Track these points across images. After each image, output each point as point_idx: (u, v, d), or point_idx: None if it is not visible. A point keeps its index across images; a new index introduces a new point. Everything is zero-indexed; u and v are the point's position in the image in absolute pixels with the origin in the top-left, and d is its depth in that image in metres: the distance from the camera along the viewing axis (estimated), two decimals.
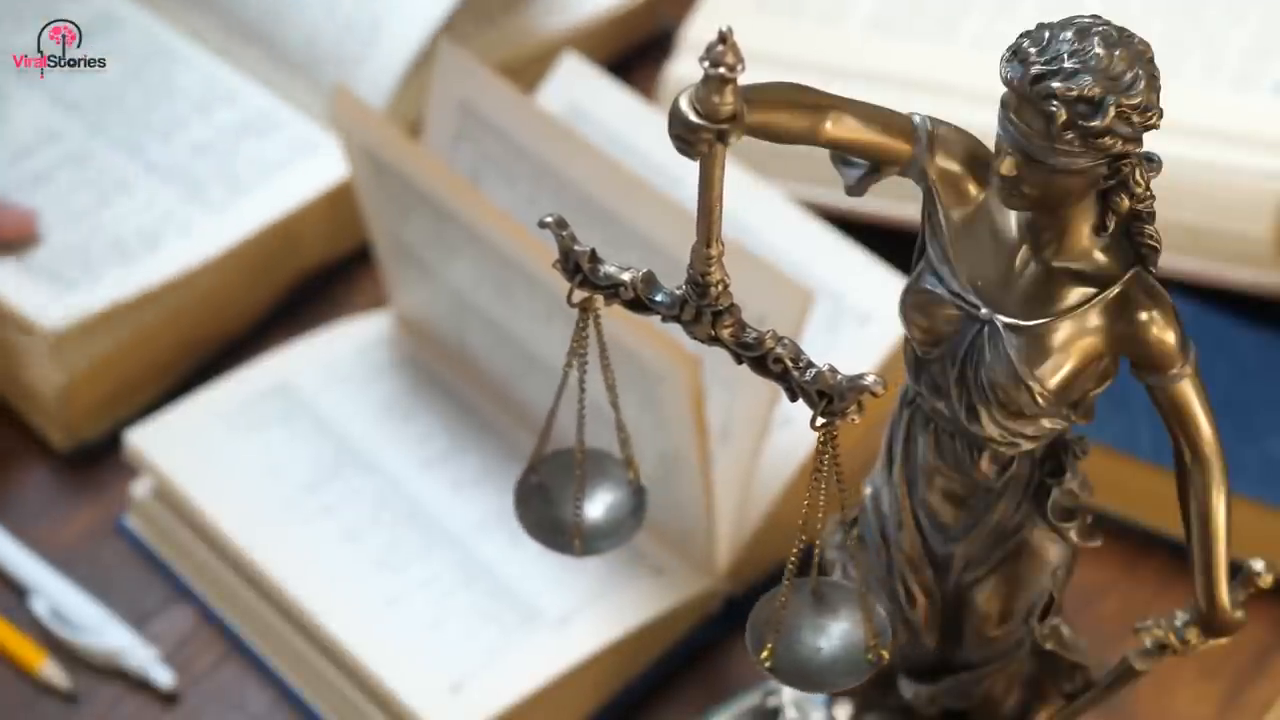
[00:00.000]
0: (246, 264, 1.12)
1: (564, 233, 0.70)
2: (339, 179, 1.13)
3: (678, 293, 0.70)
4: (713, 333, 0.70)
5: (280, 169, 1.14)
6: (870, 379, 0.67)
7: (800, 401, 0.69)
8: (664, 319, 0.71)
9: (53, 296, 1.07)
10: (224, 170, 1.14)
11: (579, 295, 0.72)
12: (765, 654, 0.73)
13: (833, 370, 0.68)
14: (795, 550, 0.72)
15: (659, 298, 0.70)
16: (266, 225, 1.12)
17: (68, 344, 1.06)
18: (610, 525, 0.78)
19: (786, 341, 0.69)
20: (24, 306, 1.06)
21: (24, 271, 1.08)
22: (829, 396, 0.68)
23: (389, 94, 1.14)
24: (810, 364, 0.69)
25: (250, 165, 1.14)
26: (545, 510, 0.78)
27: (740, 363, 0.70)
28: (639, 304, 0.71)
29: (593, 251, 0.71)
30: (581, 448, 0.77)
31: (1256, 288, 1.06)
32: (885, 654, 0.73)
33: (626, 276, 0.70)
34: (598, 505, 0.78)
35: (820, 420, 0.69)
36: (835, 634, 0.73)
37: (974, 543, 0.78)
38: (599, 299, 0.72)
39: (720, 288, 0.69)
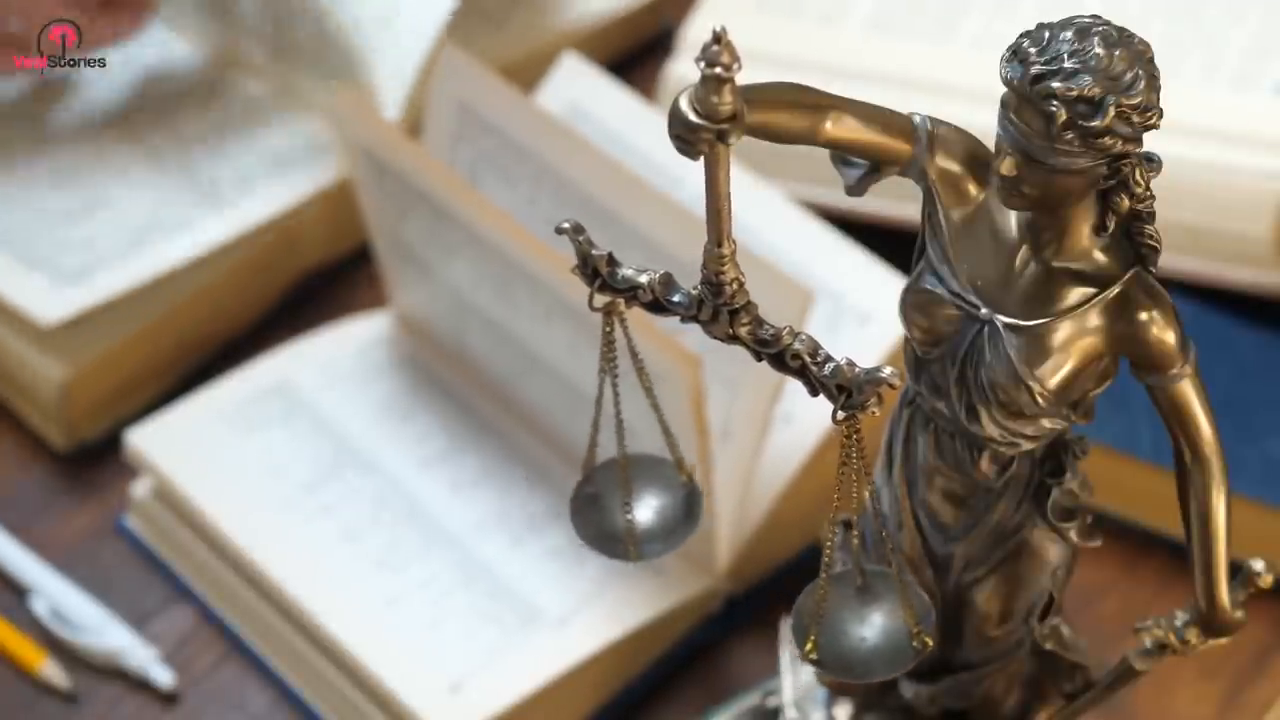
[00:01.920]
0: (247, 263, 1.12)
1: (581, 238, 0.70)
2: (339, 178, 1.13)
3: (694, 293, 0.70)
4: (731, 331, 0.70)
5: (280, 167, 1.14)
6: (887, 371, 0.68)
7: (807, 398, 0.70)
8: (683, 319, 0.71)
9: (51, 290, 1.07)
10: (224, 167, 1.14)
11: (600, 300, 0.72)
12: (809, 646, 0.73)
13: (850, 364, 0.68)
14: (829, 542, 0.72)
15: (677, 298, 0.71)
16: (266, 222, 1.12)
17: (64, 338, 1.06)
18: (663, 528, 0.78)
19: (804, 337, 0.69)
20: (21, 300, 1.06)
21: (21, 264, 1.08)
22: (848, 390, 0.68)
23: (408, 88, 1.14)
24: (828, 358, 0.69)
25: (250, 163, 1.14)
26: (599, 519, 0.78)
27: (759, 360, 0.70)
28: (657, 305, 0.71)
29: (610, 255, 0.71)
30: (623, 453, 0.77)
31: (1256, 288, 1.06)
32: (929, 640, 0.73)
33: (644, 279, 0.71)
34: (649, 509, 0.78)
35: (841, 414, 0.69)
36: (878, 623, 0.73)
37: (974, 543, 0.78)
38: (621, 303, 0.72)
39: (735, 286, 0.69)
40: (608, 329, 0.73)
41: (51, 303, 1.06)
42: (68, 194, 1.12)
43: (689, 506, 0.78)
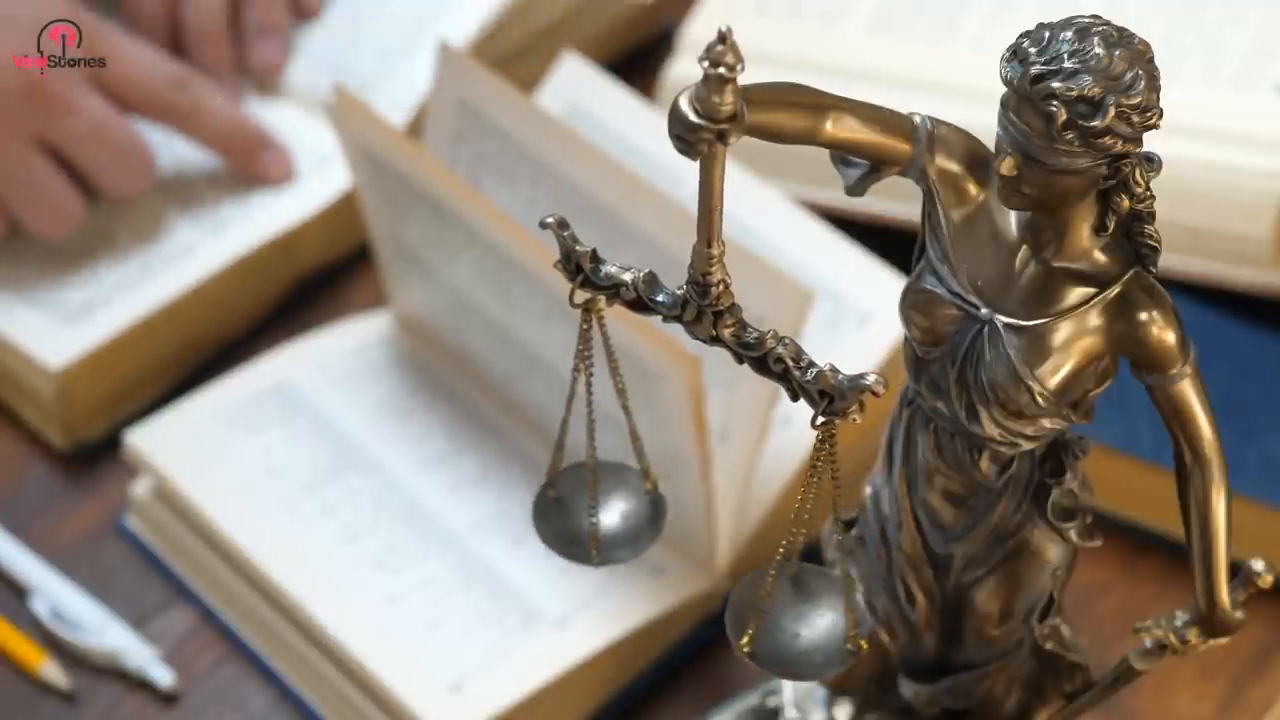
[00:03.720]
0: (247, 264, 1.12)
1: (565, 233, 0.71)
2: (344, 191, 1.13)
3: (679, 293, 0.70)
4: (714, 333, 0.70)
5: (286, 183, 1.14)
6: (871, 379, 0.67)
7: (801, 401, 0.69)
8: (665, 319, 0.71)
9: (55, 330, 1.07)
10: (225, 188, 1.14)
11: (581, 296, 0.72)
12: (745, 640, 0.73)
13: (834, 370, 0.68)
14: (785, 542, 0.72)
15: (660, 298, 0.71)
16: (271, 239, 1.12)
17: (71, 375, 1.06)
18: (627, 534, 0.78)
19: (787, 341, 0.69)
20: (28, 345, 1.06)
21: (26, 306, 1.08)
22: (830, 396, 0.68)
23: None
24: (811, 364, 0.69)
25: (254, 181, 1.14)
26: (563, 522, 0.78)
27: (741, 363, 0.70)
28: (640, 304, 0.71)
29: (594, 252, 0.71)
30: (593, 455, 0.77)
31: (1256, 288, 1.06)
32: (864, 644, 0.73)
33: (628, 277, 0.71)
34: (614, 514, 0.78)
35: (820, 419, 0.69)
36: (816, 622, 0.73)
37: (974, 543, 0.78)
38: (601, 300, 0.72)
39: (721, 288, 0.69)
40: (584, 326, 0.73)
41: (57, 345, 1.06)
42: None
43: (653, 514, 0.79)
